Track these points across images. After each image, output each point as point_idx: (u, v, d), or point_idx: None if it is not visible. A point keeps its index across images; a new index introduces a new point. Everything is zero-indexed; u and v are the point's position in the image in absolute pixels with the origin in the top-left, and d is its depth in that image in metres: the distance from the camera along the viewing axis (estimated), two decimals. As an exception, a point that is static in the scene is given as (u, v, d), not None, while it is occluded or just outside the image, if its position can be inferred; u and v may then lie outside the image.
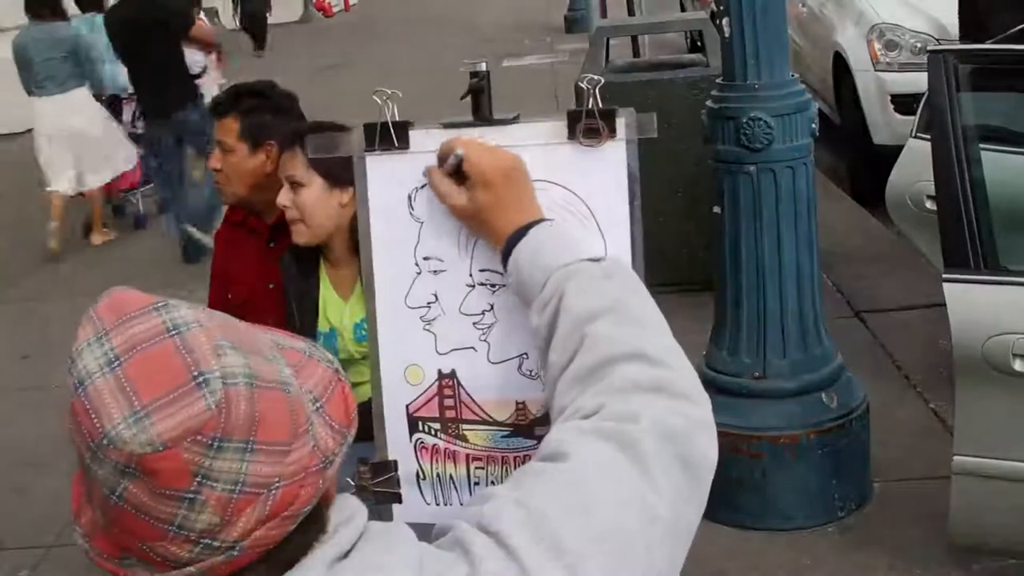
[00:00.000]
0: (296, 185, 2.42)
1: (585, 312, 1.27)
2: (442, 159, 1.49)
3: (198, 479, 0.89)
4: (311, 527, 0.98)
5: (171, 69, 7.02)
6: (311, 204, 2.41)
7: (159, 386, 0.89)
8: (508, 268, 1.42)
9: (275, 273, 2.67)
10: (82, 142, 7.79)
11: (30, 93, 7.78)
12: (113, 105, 8.23)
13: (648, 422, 1.12)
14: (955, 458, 2.86)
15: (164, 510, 0.90)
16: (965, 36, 5.11)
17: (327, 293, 2.56)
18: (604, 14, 10.57)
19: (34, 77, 7.65)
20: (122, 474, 0.89)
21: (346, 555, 0.98)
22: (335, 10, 24.00)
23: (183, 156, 7.28)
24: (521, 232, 1.41)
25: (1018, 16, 4.21)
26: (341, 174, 2.25)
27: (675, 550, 1.09)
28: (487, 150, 1.46)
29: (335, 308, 2.55)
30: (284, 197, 2.44)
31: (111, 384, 0.89)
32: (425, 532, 1.07)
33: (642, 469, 1.08)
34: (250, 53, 17.34)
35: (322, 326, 2.54)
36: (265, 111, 2.79)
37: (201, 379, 0.89)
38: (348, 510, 1.02)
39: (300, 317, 2.54)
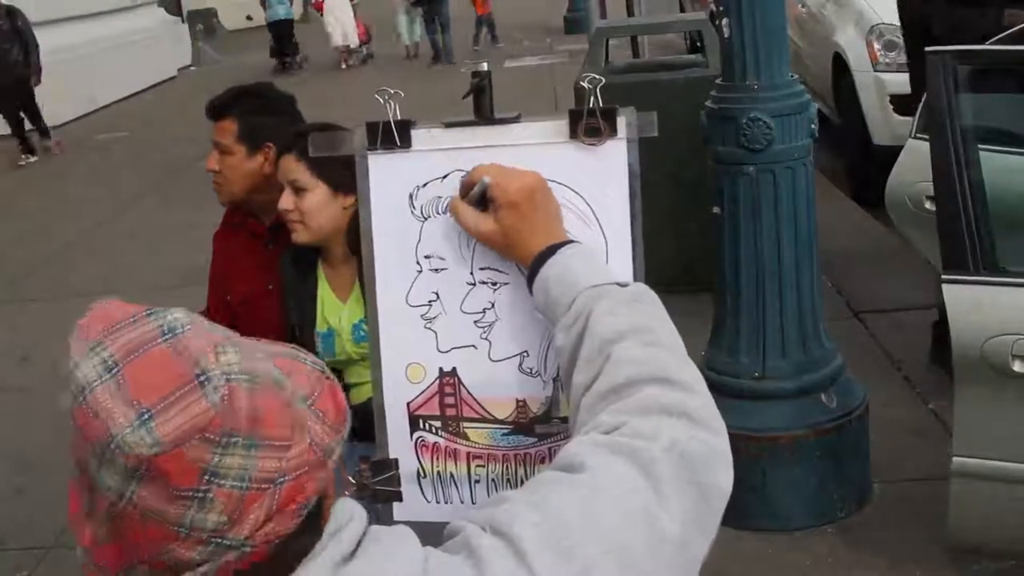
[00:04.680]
0: (300, 190, 2.41)
1: (611, 333, 1.27)
2: (466, 190, 1.49)
3: (206, 476, 0.90)
4: (315, 523, 0.99)
5: None
6: (315, 209, 2.40)
7: (161, 387, 0.89)
8: (535, 288, 1.42)
9: (274, 274, 2.66)
10: (345, 21, 17.84)
11: None
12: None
13: (667, 443, 1.12)
14: (954, 459, 2.85)
15: (174, 511, 0.90)
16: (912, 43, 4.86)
17: (325, 294, 2.56)
18: (604, 15, 10.58)
19: None
20: (131, 478, 0.89)
21: (351, 556, 0.98)
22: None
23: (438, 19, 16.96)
24: (548, 252, 1.41)
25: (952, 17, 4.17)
26: (344, 180, 2.24)
27: (682, 573, 1.08)
28: (511, 173, 1.46)
29: (333, 309, 2.54)
30: (287, 201, 2.42)
31: (112, 389, 0.89)
32: (425, 530, 1.07)
33: (656, 487, 1.08)
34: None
35: (320, 327, 2.54)
36: (263, 112, 2.77)
37: (203, 377, 0.90)
38: (348, 512, 1.02)
39: (298, 318, 2.54)
